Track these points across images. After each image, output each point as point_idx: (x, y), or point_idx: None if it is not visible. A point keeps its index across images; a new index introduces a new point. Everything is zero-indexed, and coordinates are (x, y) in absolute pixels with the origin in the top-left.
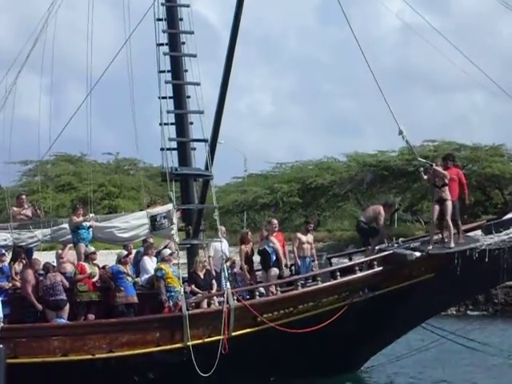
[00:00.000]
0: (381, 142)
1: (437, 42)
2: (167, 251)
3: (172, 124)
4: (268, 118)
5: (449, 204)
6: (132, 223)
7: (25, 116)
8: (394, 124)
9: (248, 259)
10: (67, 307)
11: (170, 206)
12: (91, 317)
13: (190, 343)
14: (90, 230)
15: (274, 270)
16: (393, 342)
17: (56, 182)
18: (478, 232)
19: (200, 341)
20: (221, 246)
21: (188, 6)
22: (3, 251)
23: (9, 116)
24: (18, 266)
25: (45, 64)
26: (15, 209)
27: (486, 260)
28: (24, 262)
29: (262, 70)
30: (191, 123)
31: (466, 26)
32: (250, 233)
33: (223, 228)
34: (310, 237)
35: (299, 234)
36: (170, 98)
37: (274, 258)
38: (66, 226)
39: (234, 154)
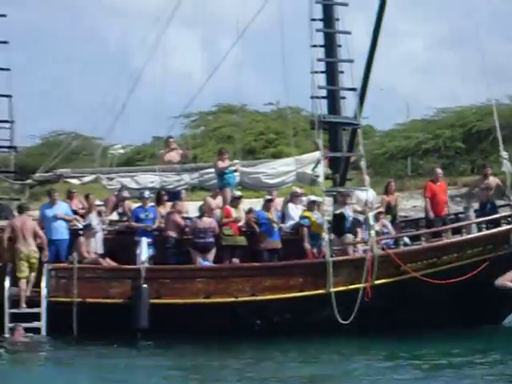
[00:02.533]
0: None
1: None
2: (312, 198)
3: (322, 72)
4: (422, 65)
5: None
6: (279, 170)
7: (179, 68)
8: None
9: (390, 209)
10: (214, 250)
11: (317, 154)
12: (236, 261)
13: (332, 290)
14: (236, 174)
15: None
16: None
17: (218, 134)
18: None
19: (343, 288)
20: (367, 195)
21: None
22: (147, 195)
23: (163, 69)
24: (162, 210)
25: (197, 18)
26: (162, 151)
27: None
28: (167, 204)
29: (412, 14)
30: (342, 72)
31: None
32: (393, 183)
33: (368, 178)
34: (492, 180)
35: (486, 181)
36: (320, 46)
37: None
38: (212, 170)
39: (394, 101)
